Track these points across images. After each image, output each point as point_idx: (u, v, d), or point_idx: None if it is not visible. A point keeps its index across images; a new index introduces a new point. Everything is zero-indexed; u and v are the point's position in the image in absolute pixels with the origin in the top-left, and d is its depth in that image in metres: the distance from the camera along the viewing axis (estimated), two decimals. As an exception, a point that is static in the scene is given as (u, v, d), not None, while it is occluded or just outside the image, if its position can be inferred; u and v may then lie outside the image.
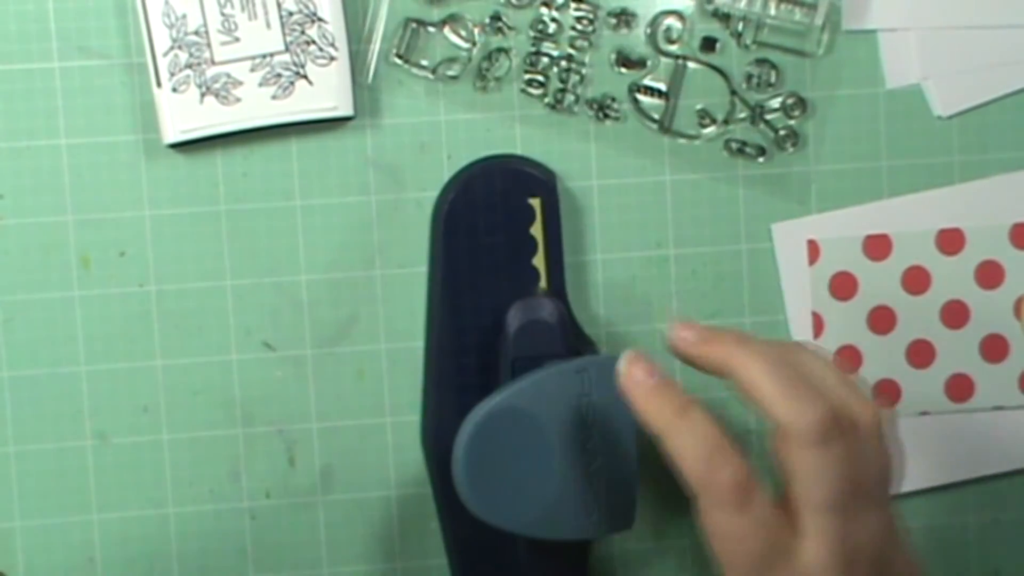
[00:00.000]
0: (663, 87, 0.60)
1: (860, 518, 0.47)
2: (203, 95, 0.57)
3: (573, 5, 0.59)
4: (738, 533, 0.46)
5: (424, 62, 0.59)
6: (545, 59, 0.59)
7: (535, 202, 0.59)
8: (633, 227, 0.61)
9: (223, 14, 0.57)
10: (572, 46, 0.59)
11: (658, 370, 0.49)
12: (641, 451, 0.56)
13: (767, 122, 0.60)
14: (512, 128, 0.60)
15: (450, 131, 0.60)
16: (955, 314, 0.62)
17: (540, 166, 0.59)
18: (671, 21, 0.60)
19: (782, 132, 0.60)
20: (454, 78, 0.59)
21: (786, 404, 0.47)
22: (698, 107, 0.60)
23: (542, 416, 0.53)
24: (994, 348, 0.62)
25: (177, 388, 0.60)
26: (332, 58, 0.57)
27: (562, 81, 0.60)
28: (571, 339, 0.57)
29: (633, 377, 0.49)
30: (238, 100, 0.57)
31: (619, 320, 0.61)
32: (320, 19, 0.57)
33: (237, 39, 0.57)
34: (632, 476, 0.55)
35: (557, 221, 0.59)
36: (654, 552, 0.62)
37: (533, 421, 0.53)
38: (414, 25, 0.59)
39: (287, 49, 0.57)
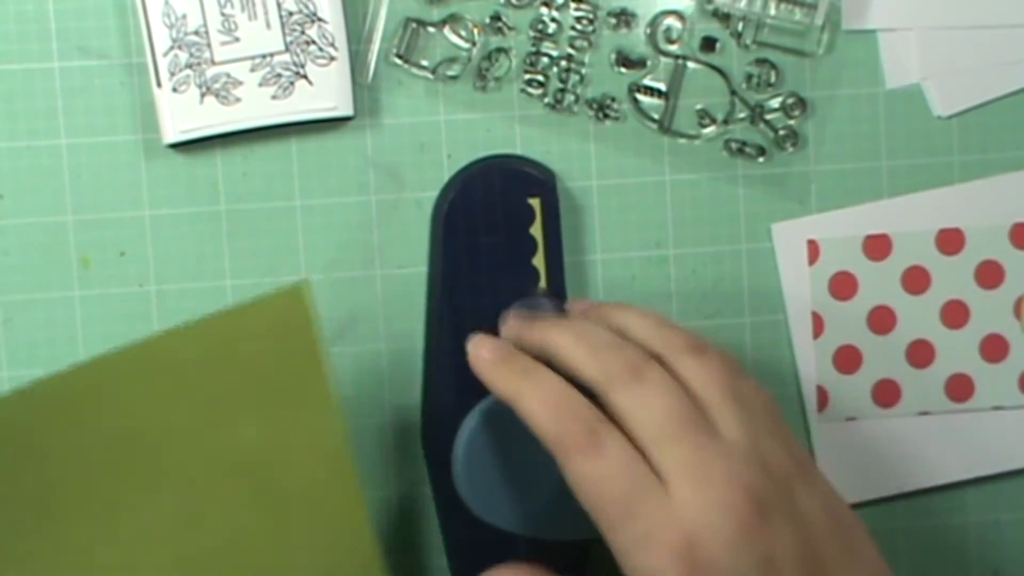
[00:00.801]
0: (663, 87, 0.60)
1: (714, 445, 0.47)
2: (203, 95, 0.57)
3: (573, 5, 0.59)
4: (598, 476, 0.46)
5: (424, 62, 0.59)
6: (545, 59, 0.59)
7: (535, 202, 0.59)
8: (633, 227, 0.61)
9: (223, 14, 0.57)
10: (572, 46, 0.60)
11: (503, 346, 0.51)
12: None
13: (767, 122, 0.60)
14: (512, 128, 0.60)
15: (450, 131, 0.60)
16: (955, 314, 0.62)
17: (540, 166, 0.60)
18: (671, 21, 0.60)
19: (782, 132, 0.60)
20: (454, 78, 0.59)
21: (595, 360, 0.48)
22: (698, 107, 0.60)
23: None
24: (994, 348, 0.62)
25: None
26: (332, 58, 0.57)
27: (562, 81, 0.60)
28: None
29: (479, 356, 0.51)
30: (238, 100, 0.57)
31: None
32: (320, 19, 0.57)
33: (237, 39, 0.57)
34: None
35: (557, 221, 0.59)
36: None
37: None
38: (414, 25, 0.59)
39: (287, 49, 0.57)
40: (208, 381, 0.50)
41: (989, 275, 0.62)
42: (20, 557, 0.48)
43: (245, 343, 0.50)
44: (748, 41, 0.60)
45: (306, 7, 0.57)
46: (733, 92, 0.60)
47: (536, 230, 0.59)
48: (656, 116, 0.60)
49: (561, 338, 0.50)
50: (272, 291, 0.50)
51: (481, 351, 0.51)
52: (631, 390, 0.48)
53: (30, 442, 0.48)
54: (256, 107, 0.57)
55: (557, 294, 0.59)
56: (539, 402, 0.48)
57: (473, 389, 0.57)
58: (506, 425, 0.53)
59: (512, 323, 0.54)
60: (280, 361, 0.50)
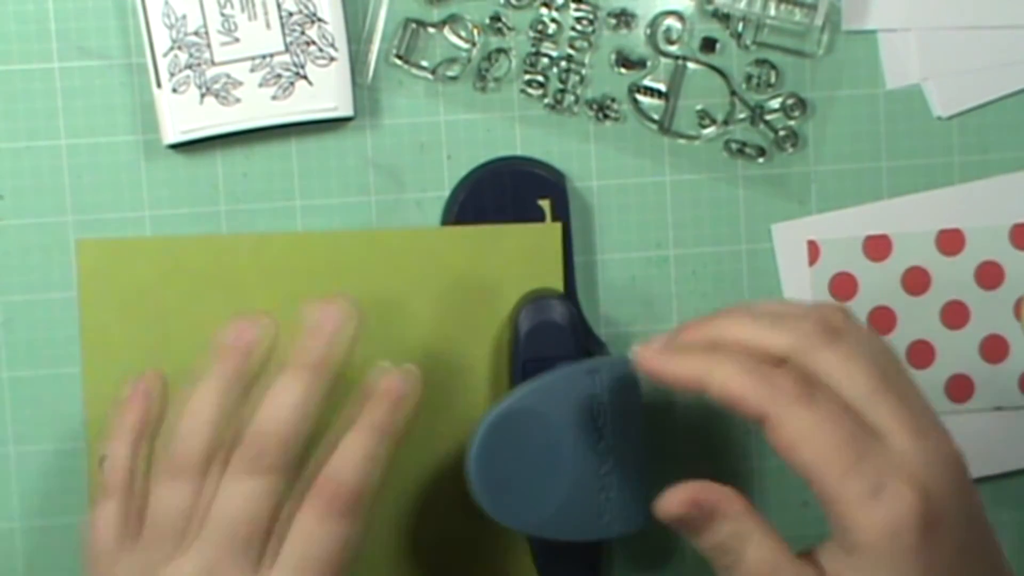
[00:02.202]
0: (663, 87, 0.60)
1: (917, 405, 0.46)
2: (203, 95, 0.57)
3: (573, 5, 0.59)
4: (819, 425, 0.44)
5: (424, 62, 0.59)
6: (545, 59, 0.59)
7: (545, 203, 0.59)
8: (633, 227, 0.61)
9: (223, 14, 0.57)
10: (572, 46, 0.59)
11: (672, 340, 0.49)
12: (652, 451, 0.56)
13: (767, 122, 0.60)
14: (512, 128, 0.60)
15: (450, 131, 0.60)
16: (955, 314, 0.62)
17: (549, 167, 0.60)
18: (671, 21, 0.60)
19: (782, 132, 0.60)
20: (454, 78, 0.59)
21: (784, 328, 0.47)
22: (698, 107, 0.60)
23: (554, 417, 0.53)
24: (994, 348, 0.62)
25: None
26: (332, 58, 0.57)
27: (562, 81, 0.60)
28: (582, 340, 0.57)
29: (648, 355, 0.48)
30: (238, 100, 0.57)
31: (619, 321, 0.61)
32: (320, 19, 0.57)
33: (237, 39, 0.57)
34: (644, 477, 0.55)
35: (567, 222, 0.59)
36: (668, 552, 0.62)
37: (545, 422, 0.54)
38: (414, 25, 0.59)
39: (287, 49, 0.57)
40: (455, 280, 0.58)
41: (989, 276, 0.62)
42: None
43: (496, 257, 0.58)
44: (748, 42, 0.60)
45: (306, 7, 0.57)
46: (733, 92, 0.60)
47: (546, 231, 0.60)
48: (656, 116, 0.60)
49: (736, 322, 0.48)
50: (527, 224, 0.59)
51: (648, 348, 0.49)
52: (834, 349, 0.46)
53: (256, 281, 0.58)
54: (256, 107, 0.57)
55: (568, 295, 0.59)
56: (738, 369, 0.46)
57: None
58: (518, 427, 0.53)
59: (654, 346, 0.50)
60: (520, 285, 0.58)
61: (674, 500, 0.46)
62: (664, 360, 0.48)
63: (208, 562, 0.49)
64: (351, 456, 0.50)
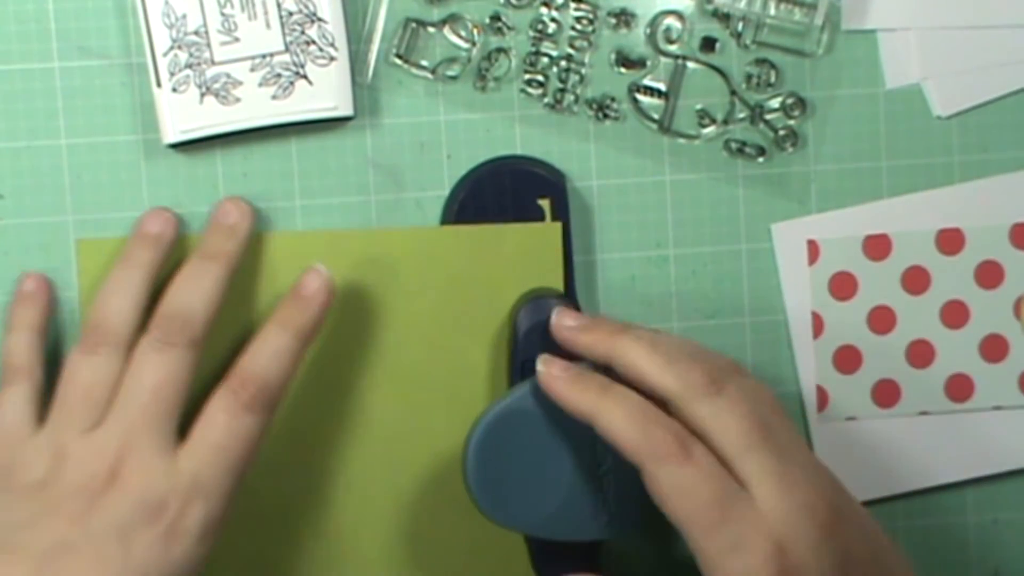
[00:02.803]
0: (663, 87, 0.60)
1: (789, 457, 0.49)
2: (203, 95, 0.57)
3: (573, 5, 0.59)
4: (688, 483, 0.48)
5: (424, 62, 0.59)
6: (545, 59, 0.59)
7: (544, 203, 0.59)
8: (633, 227, 0.61)
9: (223, 14, 0.57)
10: (572, 46, 0.59)
11: (573, 364, 0.52)
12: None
13: (767, 122, 0.60)
14: (512, 128, 0.60)
15: (450, 131, 0.60)
16: (955, 314, 0.62)
17: (549, 167, 0.60)
18: (671, 21, 0.60)
19: (782, 132, 0.60)
20: (454, 78, 0.59)
21: (672, 372, 0.49)
22: (698, 107, 0.60)
23: (551, 418, 0.53)
24: (994, 348, 0.62)
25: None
26: (332, 58, 0.57)
27: (562, 81, 0.60)
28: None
29: (551, 374, 0.52)
30: (238, 100, 0.57)
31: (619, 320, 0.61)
32: (320, 19, 0.57)
33: (237, 39, 0.57)
34: (641, 478, 0.55)
35: (567, 222, 0.59)
36: (664, 553, 0.62)
37: (542, 423, 0.54)
38: (414, 25, 0.59)
39: (287, 49, 0.57)
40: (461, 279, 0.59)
41: (989, 275, 0.62)
42: None
43: (495, 256, 0.59)
44: (748, 41, 0.60)
45: (306, 7, 0.57)
46: (733, 92, 0.60)
47: (546, 231, 0.60)
48: (656, 116, 0.60)
49: (634, 349, 0.51)
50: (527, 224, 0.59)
51: (552, 369, 0.52)
52: (713, 401, 0.49)
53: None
54: (256, 107, 0.57)
55: (565, 296, 0.59)
56: (623, 415, 0.49)
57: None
58: (516, 427, 0.53)
59: (568, 323, 0.54)
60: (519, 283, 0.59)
61: None
62: (562, 387, 0.51)
63: (125, 433, 0.51)
64: (261, 350, 0.53)
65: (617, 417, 0.49)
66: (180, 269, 0.55)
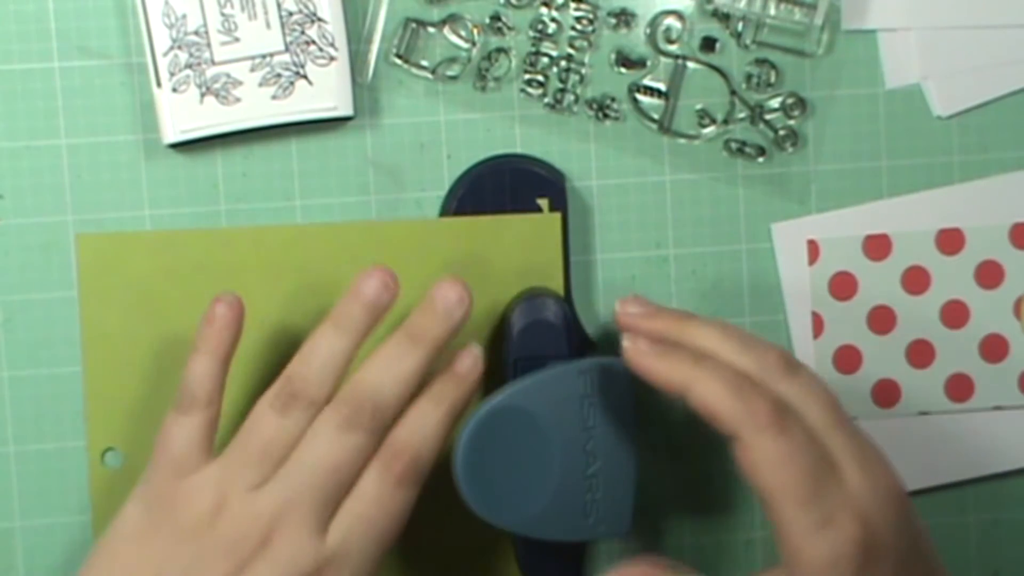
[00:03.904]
0: (663, 87, 0.60)
1: (864, 439, 0.49)
2: (203, 95, 0.57)
3: (573, 5, 0.59)
4: (785, 454, 0.47)
5: (424, 62, 0.59)
6: (545, 59, 0.59)
7: (543, 202, 0.59)
8: (633, 227, 0.61)
9: (223, 14, 0.57)
10: (572, 46, 0.60)
11: (659, 340, 0.51)
12: (640, 454, 0.56)
13: (767, 122, 0.60)
14: (512, 128, 0.60)
15: (450, 131, 0.60)
16: (955, 314, 0.62)
17: (548, 166, 0.60)
18: (671, 21, 0.60)
19: (782, 132, 0.60)
20: (454, 78, 0.59)
21: (750, 354, 0.50)
22: (698, 107, 0.60)
23: (543, 416, 0.53)
24: (994, 348, 0.62)
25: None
26: (332, 58, 0.57)
27: (562, 81, 0.60)
28: (574, 340, 0.57)
29: (639, 349, 0.50)
30: (238, 100, 0.57)
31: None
32: (320, 19, 0.57)
33: (237, 39, 0.57)
34: (631, 479, 0.55)
35: (565, 221, 0.59)
36: (652, 554, 0.62)
37: (534, 421, 0.53)
38: (414, 25, 0.59)
39: (287, 49, 0.57)
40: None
41: (989, 275, 0.62)
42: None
43: (495, 248, 0.58)
44: (748, 41, 0.60)
45: (306, 7, 0.57)
46: (733, 92, 0.60)
47: (544, 229, 0.60)
48: (656, 116, 0.60)
49: (707, 333, 0.51)
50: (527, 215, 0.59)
51: (639, 344, 0.51)
52: (792, 380, 0.49)
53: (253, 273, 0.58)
54: (256, 107, 0.57)
55: (561, 295, 0.59)
56: (721, 384, 0.48)
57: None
58: (507, 425, 0.53)
59: (632, 310, 0.53)
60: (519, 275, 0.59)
61: None
62: (653, 361, 0.50)
63: (286, 502, 0.50)
64: (415, 423, 0.52)
65: (714, 387, 0.48)
66: (385, 345, 0.52)
